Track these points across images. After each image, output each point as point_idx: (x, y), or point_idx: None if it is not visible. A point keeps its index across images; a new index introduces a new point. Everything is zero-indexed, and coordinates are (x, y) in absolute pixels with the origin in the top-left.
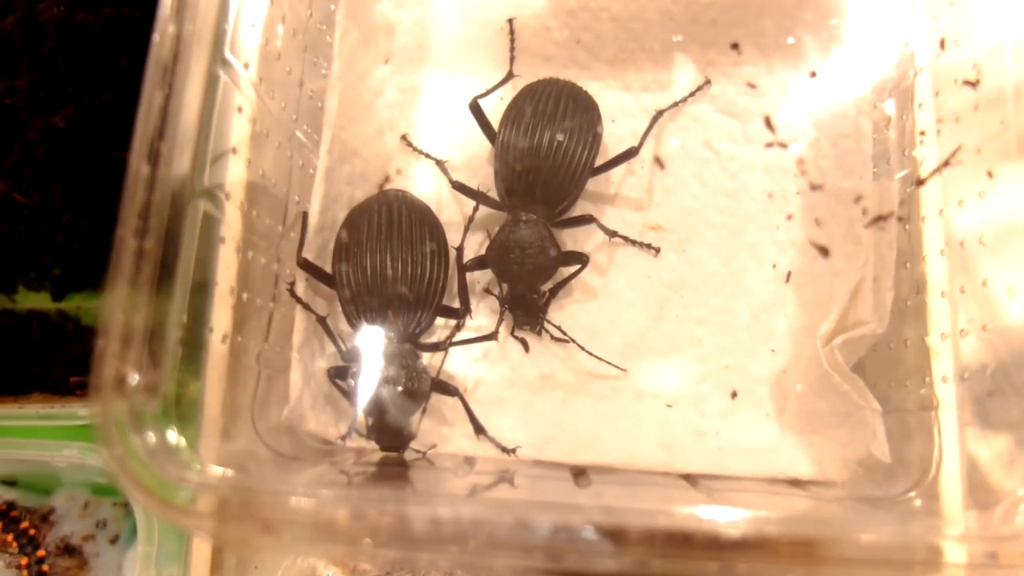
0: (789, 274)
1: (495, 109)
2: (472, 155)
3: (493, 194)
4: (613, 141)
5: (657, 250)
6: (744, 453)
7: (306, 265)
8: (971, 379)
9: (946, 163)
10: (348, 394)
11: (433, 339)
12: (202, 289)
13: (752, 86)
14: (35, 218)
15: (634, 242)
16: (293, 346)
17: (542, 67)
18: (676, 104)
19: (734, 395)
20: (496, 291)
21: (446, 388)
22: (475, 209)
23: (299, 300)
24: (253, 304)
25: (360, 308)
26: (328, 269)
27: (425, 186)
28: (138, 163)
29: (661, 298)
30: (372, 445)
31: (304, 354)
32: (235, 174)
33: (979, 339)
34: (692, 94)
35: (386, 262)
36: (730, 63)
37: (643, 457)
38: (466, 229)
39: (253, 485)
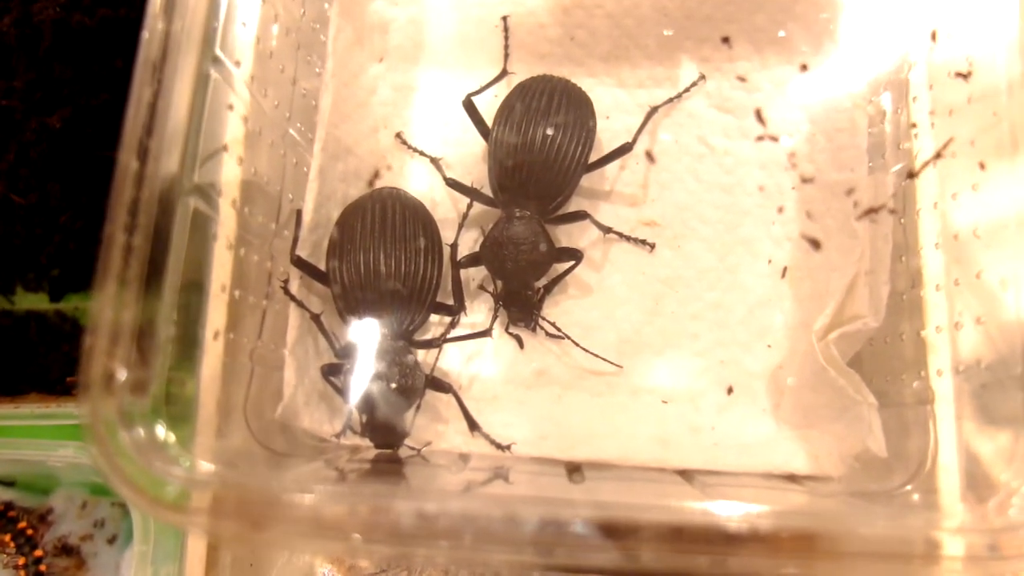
0: (785, 269)
1: (490, 106)
2: (466, 152)
3: (487, 191)
4: (608, 137)
5: (652, 246)
6: (740, 448)
7: (300, 263)
8: (966, 372)
9: (938, 155)
10: (342, 391)
11: (428, 336)
12: (194, 287)
13: (747, 81)
14: (32, 219)
15: (629, 238)
16: (287, 343)
17: (537, 64)
18: (671, 100)
19: (730, 390)
20: (490, 288)
21: (440, 385)
22: (469, 206)
23: (293, 298)
24: (246, 302)
25: (354, 305)
26: (322, 267)
27: (419, 183)
28: (127, 160)
29: (656, 294)
30: (367, 442)
31: (298, 351)
32: (228, 172)
33: (974, 332)
34: (686, 90)
35: (379, 259)
36: (724, 58)
37: (639, 453)
38: (460, 226)
39: (243, 481)
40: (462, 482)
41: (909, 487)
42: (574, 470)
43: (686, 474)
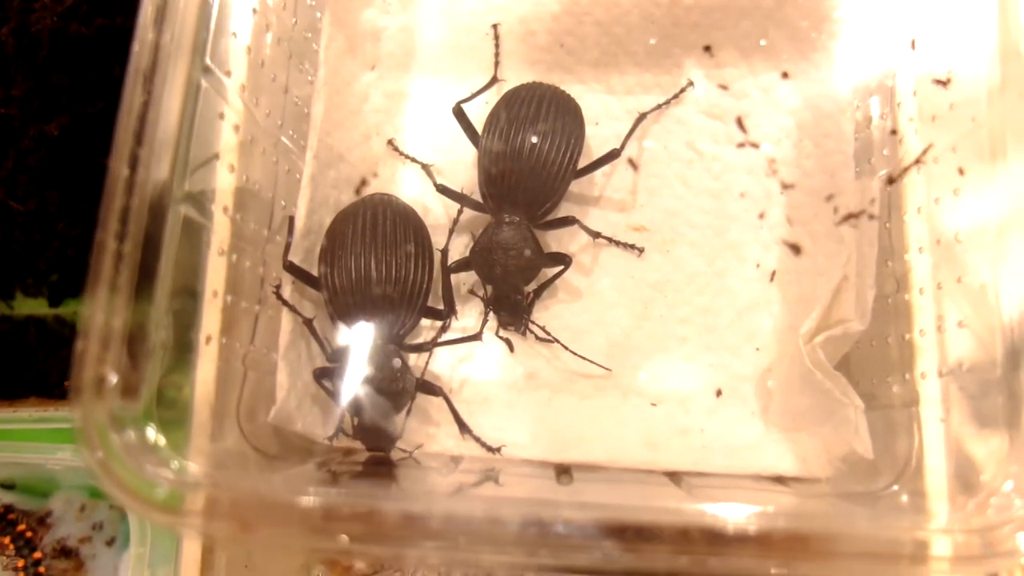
0: (773, 273)
1: (481, 113)
2: (457, 159)
3: (477, 197)
4: (597, 143)
5: (641, 250)
6: (729, 451)
7: (292, 268)
8: (950, 375)
9: (917, 161)
10: (334, 395)
11: (419, 340)
12: (187, 292)
13: (734, 88)
14: (31, 225)
15: (618, 243)
16: (279, 348)
17: (527, 71)
18: (659, 106)
19: (719, 393)
20: (481, 292)
21: (431, 388)
22: (459, 212)
23: (285, 303)
24: (239, 307)
25: (345, 310)
26: (315, 272)
27: (411, 190)
28: (117, 168)
29: (645, 298)
30: (359, 445)
31: (290, 356)
32: (220, 179)
33: (957, 336)
34: (675, 96)
35: (370, 264)
36: (712, 65)
37: (628, 455)
38: (451, 231)
39: (233, 483)
40: (453, 484)
41: (895, 488)
42: (563, 472)
43: (675, 476)
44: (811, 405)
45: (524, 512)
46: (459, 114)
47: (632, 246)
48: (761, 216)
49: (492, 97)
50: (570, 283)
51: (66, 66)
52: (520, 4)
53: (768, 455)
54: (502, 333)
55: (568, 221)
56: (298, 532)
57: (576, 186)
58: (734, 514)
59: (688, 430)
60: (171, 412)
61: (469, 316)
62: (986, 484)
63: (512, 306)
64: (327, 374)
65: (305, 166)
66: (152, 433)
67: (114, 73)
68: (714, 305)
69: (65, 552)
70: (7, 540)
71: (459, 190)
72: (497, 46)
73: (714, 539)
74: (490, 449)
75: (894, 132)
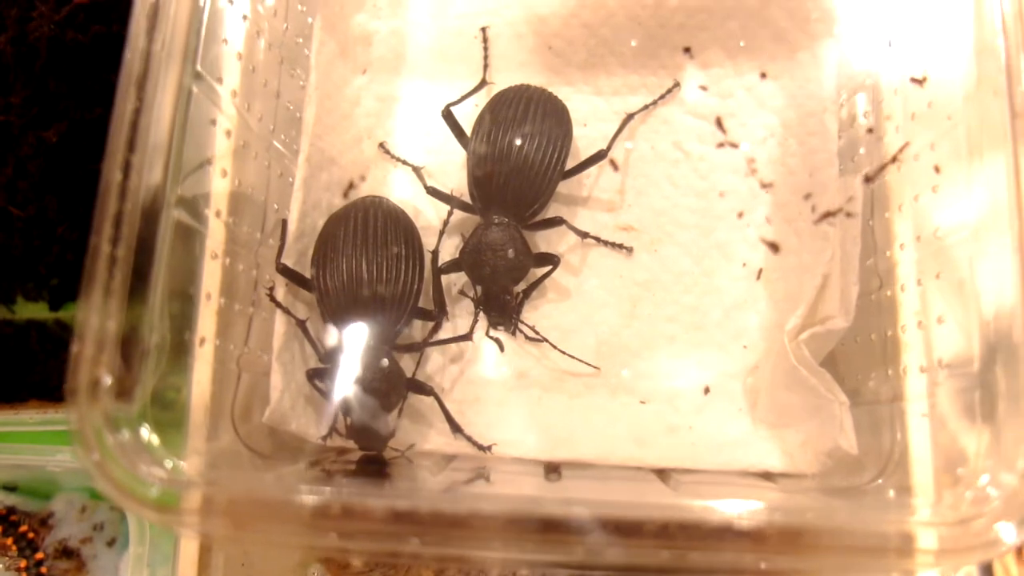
0: (760, 271)
1: (471, 116)
2: (447, 161)
3: (467, 198)
4: (585, 145)
5: (629, 250)
6: (717, 447)
7: (285, 271)
8: (930, 370)
9: (893, 159)
10: (327, 395)
11: (411, 341)
12: (181, 295)
13: (719, 88)
14: (30, 230)
15: (606, 242)
16: (273, 349)
17: (515, 74)
18: (646, 107)
19: (707, 391)
20: (471, 293)
21: (422, 388)
22: (449, 213)
23: (279, 304)
24: (233, 309)
25: (337, 311)
26: (308, 274)
27: (402, 192)
28: (110, 173)
29: (633, 297)
30: (352, 445)
31: (284, 357)
32: (212, 184)
33: (936, 331)
34: (661, 97)
35: (362, 266)
36: (698, 66)
37: (617, 453)
38: (441, 233)
39: (228, 482)
40: (444, 482)
41: (880, 482)
42: (552, 470)
43: (663, 473)
44: (797, 402)
45: (511, 508)
46: (448, 117)
47: (620, 246)
48: (740, 215)
49: (481, 99)
50: (559, 283)
51: (64, 73)
52: (509, 7)
53: (755, 451)
54: (492, 333)
55: (556, 222)
56: (290, 529)
57: (564, 187)
58: (721, 509)
59: (676, 427)
60: (167, 413)
61: (460, 316)
62: (966, 477)
63: (502, 306)
64: (320, 375)
65: (297, 170)
66: (147, 434)
67: (111, 80)
68: (701, 304)
69: (66, 553)
70: (10, 541)
71: (449, 192)
72: (486, 49)
73: (701, 534)
74: (481, 448)
75: (870, 131)
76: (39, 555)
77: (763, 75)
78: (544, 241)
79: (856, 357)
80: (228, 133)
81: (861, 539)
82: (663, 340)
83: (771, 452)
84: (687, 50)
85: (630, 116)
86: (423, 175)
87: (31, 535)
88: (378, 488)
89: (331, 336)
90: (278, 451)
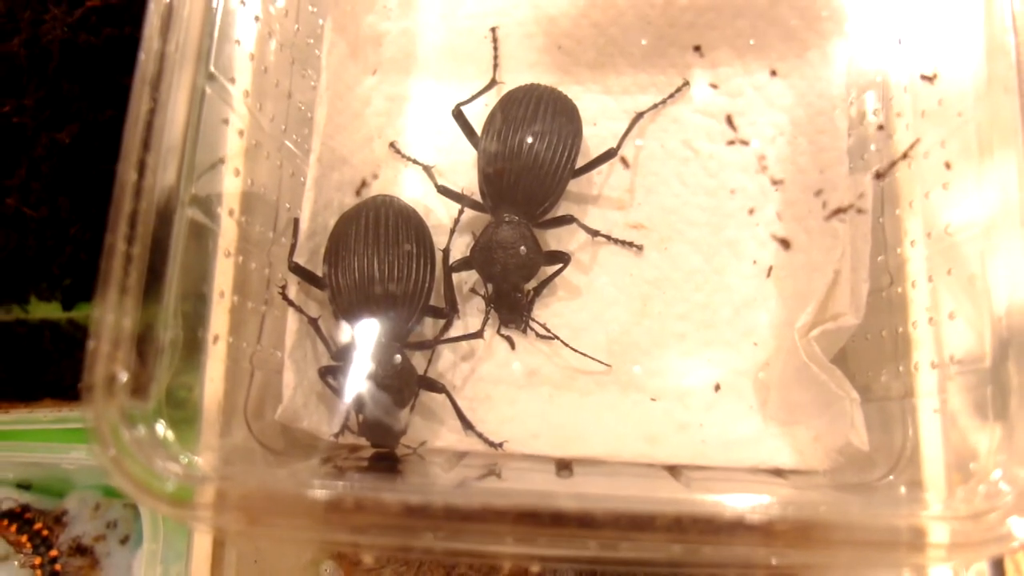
0: (770, 269)
1: (482, 115)
2: (457, 160)
3: (477, 197)
4: (595, 143)
5: (639, 248)
6: (727, 445)
7: (297, 269)
8: (942, 366)
9: (904, 156)
10: (339, 392)
11: (422, 338)
12: (195, 293)
13: (729, 86)
14: (44, 231)
15: (616, 240)
16: (286, 347)
17: (525, 73)
18: (655, 106)
19: (717, 388)
20: (482, 291)
21: (433, 385)
22: (460, 212)
23: (291, 303)
24: (246, 307)
25: (349, 309)
26: (320, 273)
27: (413, 191)
28: (125, 173)
29: (644, 295)
30: (364, 442)
31: (297, 355)
32: (225, 183)
33: (948, 328)
34: (671, 96)
35: (373, 264)
36: (707, 64)
37: (627, 450)
38: (452, 231)
39: (241, 476)
40: (456, 479)
41: (891, 478)
42: (563, 467)
43: (674, 470)
44: (808, 398)
45: (523, 503)
46: (458, 116)
47: (630, 244)
48: (751, 212)
49: (491, 99)
50: (569, 281)
51: (76, 75)
52: (518, 7)
53: (766, 448)
54: (503, 331)
55: (566, 220)
56: (303, 524)
57: (574, 185)
58: (733, 504)
59: (687, 425)
60: (181, 410)
61: (471, 314)
62: (979, 472)
63: (512, 304)
64: (332, 372)
65: (309, 169)
66: (162, 429)
67: (124, 82)
68: (712, 301)
69: (80, 550)
70: (24, 538)
71: (460, 191)
72: (496, 49)
73: (713, 528)
74: (492, 445)
75: (880, 128)
76: (53, 552)
77: (773, 73)
78: (554, 239)
79: (867, 354)
80: (241, 133)
81: (873, 534)
82: (673, 338)
83: (782, 449)
84: (697, 49)
85: (640, 115)
86: (434, 174)
87: (45, 532)
88: (390, 484)
89: (343, 334)
90: (291, 448)
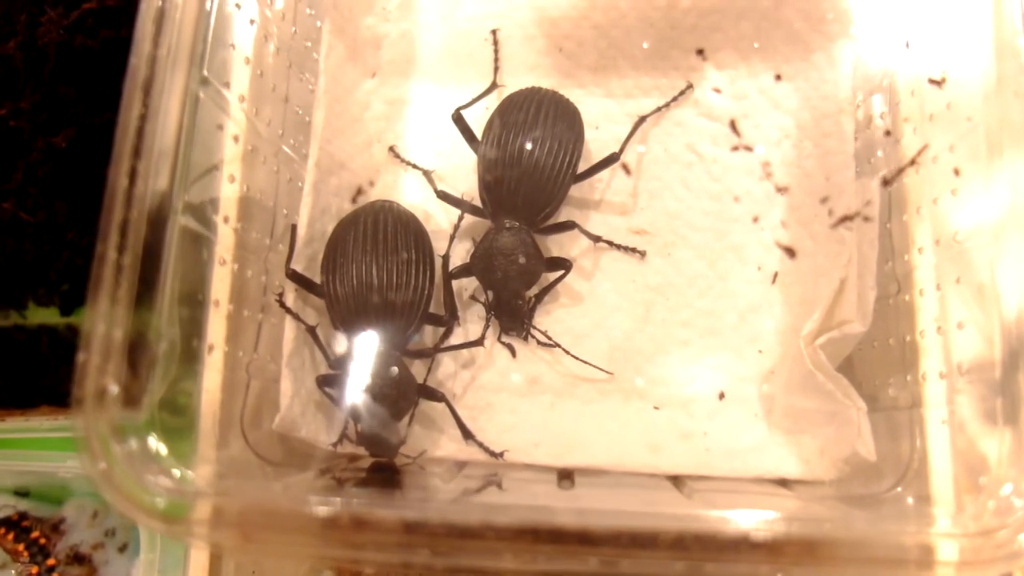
0: (775, 275)
1: (482, 119)
2: (458, 164)
3: (478, 202)
4: (597, 147)
5: (642, 254)
6: (732, 453)
7: (295, 276)
8: (951, 376)
9: (912, 162)
10: (337, 401)
11: (422, 346)
12: (190, 302)
13: (733, 89)
14: (41, 236)
15: (619, 246)
16: (283, 356)
17: (526, 76)
18: (658, 109)
19: (721, 396)
20: (482, 298)
21: (433, 394)
22: (460, 218)
23: (288, 310)
24: (242, 316)
25: (347, 317)
26: (317, 280)
27: (412, 196)
28: (116, 180)
29: (647, 301)
30: (363, 451)
31: (294, 363)
32: (221, 189)
33: (956, 337)
34: (674, 99)
35: (372, 271)
36: (710, 67)
37: (630, 459)
38: (452, 237)
39: (236, 491)
40: (456, 490)
41: (899, 490)
42: (565, 477)
43: (677, 480)
44: (814, 407)
45: (522, 519)
46: (458, 120)
47: (633, 249)
48: (755, 220)
49: (492, 102)
50: (571, 287)
51: (73, 78)
52: (519, 9)
53: (771, 458)
54: (504, 338)
55: (568, 226)
56: (300, 541)
57: (576, 190)
58: (737, 520)
59: (691, 433)
60: (176, 421)
61: (471, 322)
62: (988, 486)
63: (513, 311)
64: (330, 381)
65: (307, 174)
66: (154, 442)
67: (120, 85)
68: (716, 308)
69: (78, 558)
70: (21, 547)
71: (460, 196)
72: (496, 51)
73: (716, 545)
74: (493, 454)
75: (887, 133)
76: (51, 561)
77: (777, 77)
78: (556, 245)
79: (874, 362)
80: (236, 138)
81: (880, 551)
82: (677, 345)
83: (787, 458)
84: (700, 52)
85: (642, 119)
86: (433, 179)
87: (43, 541)
88: (389, 497)
89: (341, 342)
90: (288, 458)
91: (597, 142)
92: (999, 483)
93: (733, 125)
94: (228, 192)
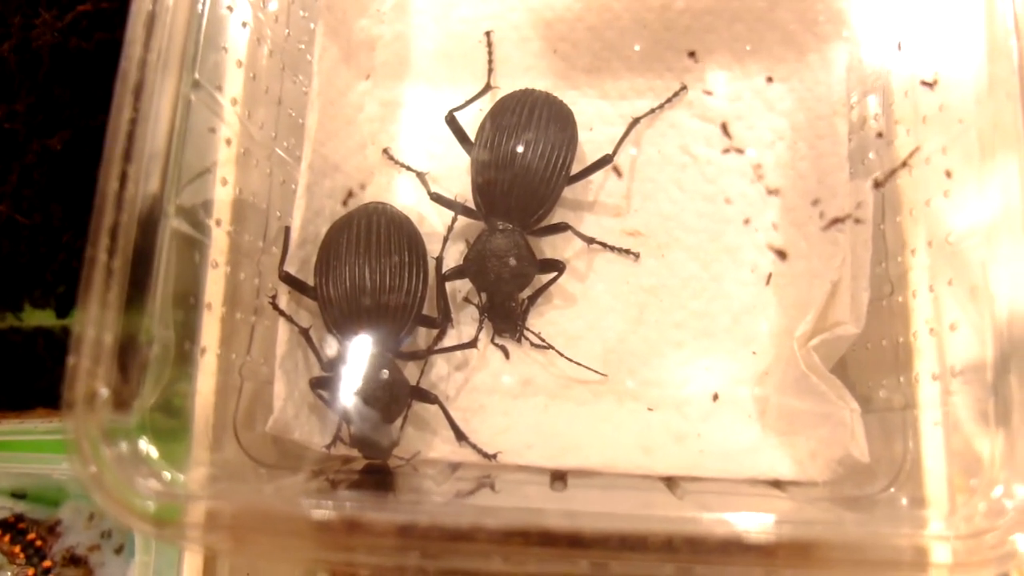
0: (769, 276)
1: (477, 120)
2: (451, 166)
3: (471, 204)
4: (591, 149)
5: (636, 255)
6: (725, 455)
7: (288, 279)
8: (943, 377)
9: (903, 164)
10: (331, 404)
11: (415, 348)
12: (182, 305)
13: (727, 91)
14: (36, 238)
15: (612, 248)
16: (276, 358)
17: (520, 78)
18: (652, 111)
19: (715, 398)
20: (475, 300)
21: (426, 396)
22: (454, 219)
23: (281, 313)
24: (235, 318)
25: (340, 319)
26: (311, 282)
27: (406, 198)
28: (106, 183)
29: (640, 303)
30: (357, 453)
31: (287, 365)
32: (213, 192)
33: (948, 338)
34: (668, 100)
35: (365, 273)
36: (704, 69)
37: (624, 461)
38: (445, 239)
39: (227, 494)
40: (449, 491)
41: (892, 491)
42: (557, 478)
43: (670, 481)
44: (807, 409)
45: (514, 521)
46: (452, 122)
47: (627, 251)
48: (748, 222)
49: (486, 104)
50: (565, 289)
51: (68, 80)
52: (513, 11)
53: (765, 459)
54: (497, 340)
55: (561, 227)
56: (293, 544)
57: (570, 192)
58: (729, 522)
59: (684, 435)
60: (169, 424)
61: (464, 324)
62: (981, 488)
63: (507, 313)
64: (323, 383)
65: (300, 177)
66: (145, 445)
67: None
68: (710, 309)
69: (74, 560)
70: (17, 549)
71: (453, 197)
72: (491, 53)
73: (708, 548)
74: (486, 456)
75: (880, 135)
76: (47, 563)
77: (770, 79)
78: (549, 247)
79: (867, 364)
80: (229, 141)
81: (872, 553)
82: (671, 346)
83: (781, 460)
84: (692, 54)
85: (636, 120)
86: (427, 181)
87: (39, 543)
88: (382, 500)
89: (334, 344)
90: (281, 460)
91: (591, 143)
92: (991, 485)
93: (725, 128)
94: (221, 195)
